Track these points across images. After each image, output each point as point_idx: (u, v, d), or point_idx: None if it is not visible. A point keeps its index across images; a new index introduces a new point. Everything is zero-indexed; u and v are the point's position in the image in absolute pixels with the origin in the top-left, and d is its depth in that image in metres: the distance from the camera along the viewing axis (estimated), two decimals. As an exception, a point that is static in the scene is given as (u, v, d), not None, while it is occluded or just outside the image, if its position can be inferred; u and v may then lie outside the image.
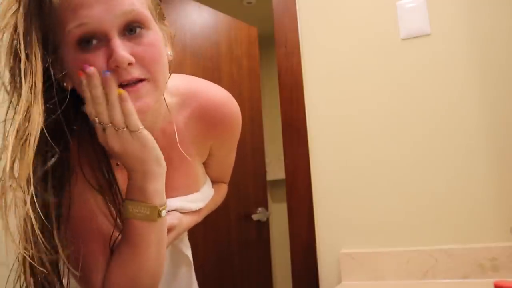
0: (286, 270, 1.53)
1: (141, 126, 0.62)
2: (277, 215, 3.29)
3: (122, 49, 0.60)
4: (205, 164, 0.90)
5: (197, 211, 0.87)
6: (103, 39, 0.61)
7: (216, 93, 0.84)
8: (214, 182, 0.95)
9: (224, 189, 1.02)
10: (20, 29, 0.58)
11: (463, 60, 1.30)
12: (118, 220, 0.68)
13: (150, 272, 0.68)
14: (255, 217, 2.35)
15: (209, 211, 0.94)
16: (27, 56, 0.58)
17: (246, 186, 2.33)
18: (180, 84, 0.81)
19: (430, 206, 1.27)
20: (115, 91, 0.60)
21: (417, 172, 1.30)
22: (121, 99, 0.60)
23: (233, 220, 2.24)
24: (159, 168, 0.66)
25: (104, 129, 0.61)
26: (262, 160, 2.51)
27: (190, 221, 0.85)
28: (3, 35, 0.60)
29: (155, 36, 0.65)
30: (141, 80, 0.63)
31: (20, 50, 0.58)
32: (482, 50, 1.28)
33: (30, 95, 0.57)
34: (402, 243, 1.28)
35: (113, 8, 0.60)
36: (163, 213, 0.67)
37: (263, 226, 2.45)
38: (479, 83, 1.27)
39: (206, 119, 0.81)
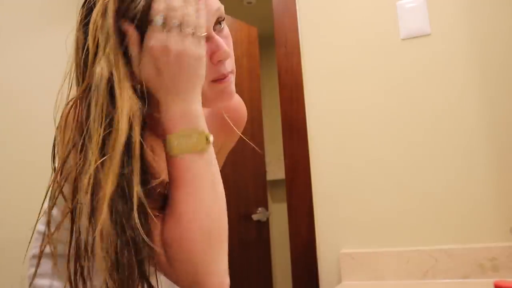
0: (286, 270, 1.54)
1: (205, 32, 0.61)
2: (277, 215, 3.29)
3: (225, 44, 0.64)
4: None
5: None
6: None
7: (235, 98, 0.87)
8: None
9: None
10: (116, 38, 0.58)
11: (463, 60, 1.30)
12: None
13: (211, 215, 0.60)
14: (255, 217, 2.35)
15: None
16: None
17: (246, 186, 2.33)
18: None
19: (430, 206, 1.27)
20: None
21: (417, 172, 1.30)
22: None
23: (233, 220, 2.24)
24: (200, 88, 0.62)
25: (168, 29, 0.57)
26: (262, 160, 2.51)
27: None
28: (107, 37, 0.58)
29: (227, 28, 0.69)
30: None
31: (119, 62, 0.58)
32: (482, 50, 1.28)
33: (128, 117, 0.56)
34: (402, 243, 1.28)
35: (211, 6, 0.63)
36: (211, 138, 0.61)
37: (263, 226, 2.45)
38: (478, 83, 1.27)
39: (224, 119, 0.84)
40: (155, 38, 0.57)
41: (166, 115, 0.59)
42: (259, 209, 2.39)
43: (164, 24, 0.57)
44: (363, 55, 1.42)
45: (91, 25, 0.60)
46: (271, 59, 2.07)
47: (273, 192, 3.37)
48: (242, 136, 0.86)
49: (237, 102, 0.87)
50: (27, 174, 1.46)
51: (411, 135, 1.32)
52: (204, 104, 0.63)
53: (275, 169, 3.21)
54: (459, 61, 1.30)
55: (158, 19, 0.57)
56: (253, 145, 0.77)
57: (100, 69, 0.57)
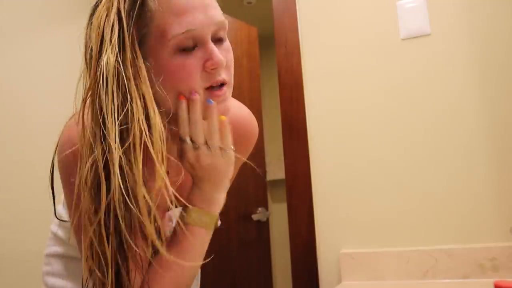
0: (286, 270, 1.53)
1: (232, 146, 0.70)
2: (277, 215, 3.29)
3: (219, 53, 0.65)
4: None
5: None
6: (199, 44, 0.65)
7: (245, 112, 0.90)
8: None
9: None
10: (125, 31, 0.60)
11: (463, 60, 1.30)
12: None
13: (189, 279, 0.70)
14: (255, 217, 2.35)
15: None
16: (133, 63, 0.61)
17: (246, 186, 2.33)
18: None
19: (430, 206, 1.27)
20: (217, 117, 0.67)
21: (417, 172, 1.30)
22: (222, 124, 0.67)
23: (233, 220, 2.24)
24: (228, 182, 0.72)
25: (196, 148, 0.66)
26: (262, 160, 2.51)
27: None
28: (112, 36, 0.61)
29: (229, 43, 0.70)
30: (223, 84, 0.68)
31: (127, 52, 0.60)
32: (482, 50, 1.28)
33: (143, 102, 0.60)
34: (402, 243, 1.28)
35: (211, 17, 0.65)
36: (218, 222, 0.72)
37: (263, 226, 2.45)
38: (478, 83, 1.27)
39: (233, 135, 0.85)
40: (189, 154, 0.66)
41: (197, 189, 0.70)
42: (259, 209, 2.39)
43: (193, 143, 0.66)
44: (363, 55, 1.42)
45: (95, 19, 0.64)
46: (271, 59, 2.07)
47: (273, 192, 3.37)
48: (247, 160, 0.87)
49: (246, 117, 0.89)
50: (27, 174, 1.46)
51: (411, 135, 1.32)
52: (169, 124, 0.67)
53: (275, 169, 3.21)
54: (459, 61, 1.30)
55: (187, 140, 0.66)
56: (254, 166, 0.82)
57: (106, 58, 0.60)
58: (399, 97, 1.35)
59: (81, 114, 0.62)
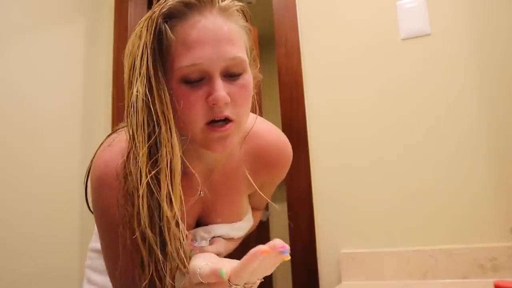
0: (286, 270, 1.53)
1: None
2: (277, 215, 3.29)
3: (223, 89, 0.64)
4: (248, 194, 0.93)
5: (237, 238, 0.90)
6: (206, 78, 0.65)
7: (278, 137, 0.89)
8: (251, 208, 0.98)
9: (258, 216, 1.05)
10: (150, 63, 0.63)
11: (463, 60, 1.30)
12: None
13: None
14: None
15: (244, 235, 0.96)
16: (158, 89, 0.63)
17: (246, 186, 2.33)
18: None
19: (430, 206, 1.27)
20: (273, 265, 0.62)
21: (417, 172, 1.30)
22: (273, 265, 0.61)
23: (233, 220, 2.23)
24: None
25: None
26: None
27: (230, 248, 0.88)
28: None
29: (249, 79, 0.69)
30: (229, 121, 0.66)
31: (152, 82, 0.63)
32: (482, 50, 1.28)
33: (168, 127, 0.63)
34: (402, 243, 1.28)
35: (223, 53, 0.64)
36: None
37: (263, 226, 2.45)
38: (479, 83, 1.27)
39: (263, 159, 0.85)
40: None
41: None
42: (259, 209, 2.38)
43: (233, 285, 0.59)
44: (363, 55, 1.42)
45: (129, 45, 0.68)
46: (271, 59, 2.07)
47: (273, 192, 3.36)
48: (265, 196, 0.87)
49: (277, 145, 0.88)
50: (27, 174, 1.46)
51: (411, 135, 1.32)
52: (193, 144, 0.68)
53: (275, 169, 3.20)
54: (459, 61, 1.30)
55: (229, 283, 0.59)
56: (273, 204, 0.82)
57: (136, 89, 0.63)
58: (399, 97, 1.35)
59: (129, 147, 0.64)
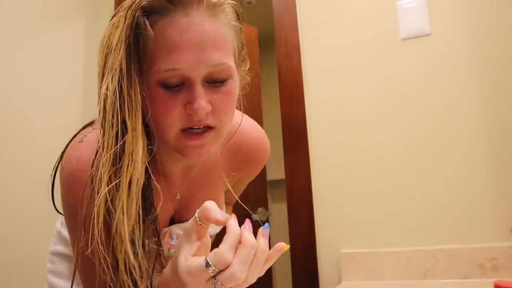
0: (286, 270, 1.53)
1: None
2: (277, 215, 3.29)
3: (203, 98, 0.59)
4: None
5: (212, 236, 0.88)
6: (186, 83, 0.60)
7: (257, 133, 0.86)
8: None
9: (230, 210, 1.04)
10: (123, 60, 0.57)
11: (463, 60, 1.30)
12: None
13: None
14: (255, 217, 2.35)
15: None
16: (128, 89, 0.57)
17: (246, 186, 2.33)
18: None
19: (430, 206, 1.27)
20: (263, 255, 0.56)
21: (417, 172, 1.30)
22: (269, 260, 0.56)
23: (233, 220, 2.23)
24: None
25: (213, 276, 0.52)
26: (262, 160, 2.50)
27: None
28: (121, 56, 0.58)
29: (233, 85, 0.64)
30: (209, 128, 0.62)
31: (123, 80, 0.57)
32: (482, 50, 1.28)
33: (134, 135, 0.57)
34: (402, 243, 1.28)
35: (206, 59, 0.58)
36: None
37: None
38: (479, 83, 1.27)
39: (243, 155, 0.83)
40: (185, 269, 0.52)
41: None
42: (259, 209, 2.39)
43: (208, 267, 0.51)
44: (363, 55, 1.42)
45: (105, 34, 0.61)
46: (271, 59, 2.07)
47: (273, 192, 3.37)
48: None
49: (257, 140, 0.86)
50: (26, 175, 1.46)
51: (411, 135, 1.32)
52: (166, 149, 0.64)
53: (275, 169, 3.21)
54: (459, 61, 1.30)
55: (211, 265, 0.51)
56: (240, 201, 0.80)
57: (106, 85, 0.58)
58: (399, 97, 1.35)
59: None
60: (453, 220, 1.24)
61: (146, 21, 0.57)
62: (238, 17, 0.66)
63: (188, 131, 0.61)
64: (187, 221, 0.73)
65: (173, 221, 0.79)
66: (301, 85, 1.48)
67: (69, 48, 1.72)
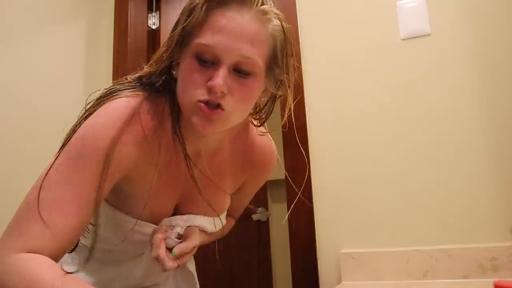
0: (286, 270, 1.54)
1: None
2: (277, 215, 3.29)
3: (223, 79, 0.67)
4: None
5: (210, 233, 0.92)
6: (216, 63, 0.68)
7: (267, 141, 0.92)
8: (227, 214, 0.99)
9: (232, 223, 1.07)
10: (179, 29, 0.71)
11: (463, 60, 1.30)
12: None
13: None
14: (255, 217, 2.34)
15: (214, 238, 0.98)
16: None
17: (246, 186, 2.32)
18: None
19: (430, 206, 1.27)
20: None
21: (417, 172, 1.30)
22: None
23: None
24: None
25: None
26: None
27: (204, 240, 0.91)
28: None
29: (255, 82, 0.72)
30: (221, 109, 0.69)
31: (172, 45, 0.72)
32: (482, 50, 1.28)
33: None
34: (402, 243, 1.28)
35: (239, 48, 0.67)
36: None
37: (263, 226, 2.45)
38: (478, 83, 1.27)
39: (251, 158, 0.89)
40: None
41: None
42: (259, 209, 2.39)
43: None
44: (363, 55, 1.42)
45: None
46: (271, 59, 2.07)
47: (273, 192, 3.36)
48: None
49: (266, 145, 0.91)
50: (27, 174, 1.46)
51: (411, 135, 1.32)
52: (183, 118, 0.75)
53: (275, 169, 3.20)
54: (459, 61, 1.30)
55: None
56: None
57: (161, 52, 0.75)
58: (399, 97, 1.35)
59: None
60: (453, 220, 1.24)
61: (204, 5, 0.68)
62: (283, 28, 0.76)
63: (203, 104, 0.68)
64: (188, 213, 0.84)
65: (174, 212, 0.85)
66: (301, 86, 1.47)
67: (69, 48, 1.71)
